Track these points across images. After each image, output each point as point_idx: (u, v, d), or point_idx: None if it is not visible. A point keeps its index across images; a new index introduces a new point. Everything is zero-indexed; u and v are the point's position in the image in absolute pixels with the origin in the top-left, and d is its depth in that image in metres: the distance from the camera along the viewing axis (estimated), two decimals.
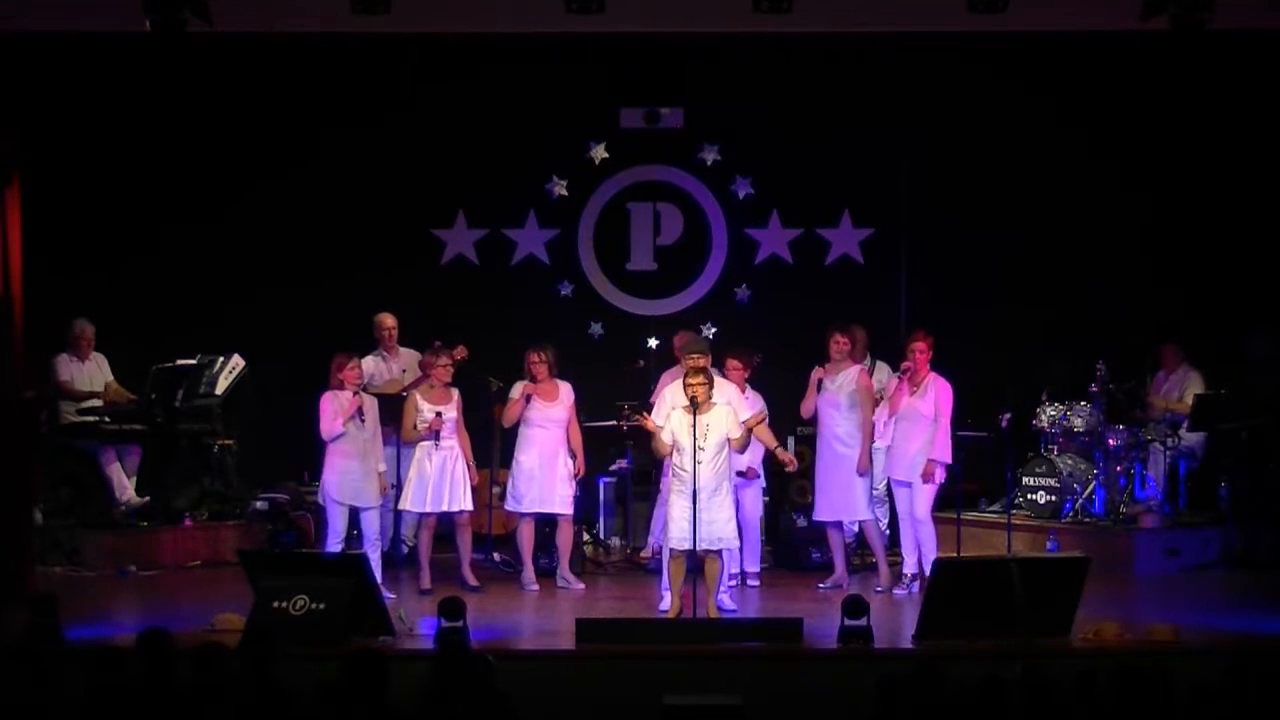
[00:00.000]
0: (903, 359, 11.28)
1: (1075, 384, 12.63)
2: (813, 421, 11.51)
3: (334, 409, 10.72)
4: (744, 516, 11.25)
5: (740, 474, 10.90)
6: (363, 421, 10.79)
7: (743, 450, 10.31)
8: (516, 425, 11.39)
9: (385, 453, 11.28)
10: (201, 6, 9.95)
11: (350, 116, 13.34)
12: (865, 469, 11.18)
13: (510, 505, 11.39)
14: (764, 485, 11.60)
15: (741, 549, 11.22)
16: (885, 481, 11.64)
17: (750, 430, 10.23)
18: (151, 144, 13.21)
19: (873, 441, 11.20)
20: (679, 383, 10.30)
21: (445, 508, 11.07)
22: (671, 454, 10.02)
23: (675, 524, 9.92)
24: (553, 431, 11.31)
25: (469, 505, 11.16)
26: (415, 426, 11.03)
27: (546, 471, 11.27)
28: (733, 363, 11.11)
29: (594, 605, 10.90)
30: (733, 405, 10.22)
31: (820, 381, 11.24)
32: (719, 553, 9.99)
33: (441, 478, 11.03)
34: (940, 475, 11.05)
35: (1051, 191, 13.37)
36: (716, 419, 9.89)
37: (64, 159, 12.69)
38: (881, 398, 11.30)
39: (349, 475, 10.77)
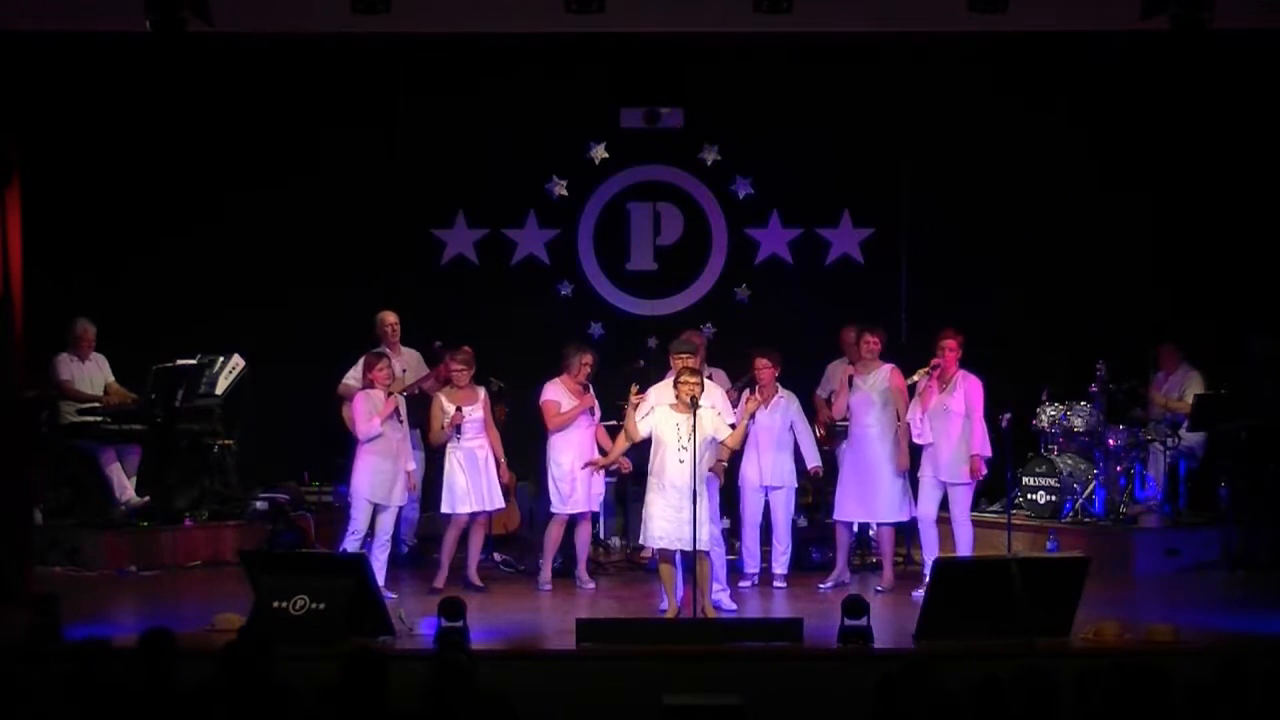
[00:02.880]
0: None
1: (1075, 384, 12.63)
2: (843, 420, 11.52)
3: (368, 409, 10.74)
4: (776, 520, 11.30)
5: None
6: (400, 421, 10.84)
7: (737, 447, 10.27)
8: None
9: (416, 455, 11.38)
10: (201, 6, 9.96)
11: (350, 117, 13.34)
12: (905, 468, 11.16)
13: (555, 507, 11.41)
14: (795, 489, 11.56)
15: (772, 551, 11.37)
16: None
17: (745, 428, 10.20)
18: (151, 144, 13.21)
19: (909, 441, 11.18)
20: (667, 382, 10.31)
21: (484, 506, 11.16)
22: (652, 452, 10.00)
23: (654, 521, 9.91)
24: (587, 432, 11.41)
25: (501, 503, 11.31)
26: (442, 427, 11.08)
27: (584, 471, 11.32)
28: (762, 362, 11.09)
29: (594, 605, 10.90)
30: (718, 409, 10.22)
31: (851, 380, 11.24)
32: (707, 552, 9.95)
33: (478, 477, 11.10)
34: (982, 470, 11.05)
35: (1052, 191, 13.37)
36: (702, 421, 9.86)
37: (64, 159, 12.70)
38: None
39: (381, 474, 10.79)
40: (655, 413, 10.04)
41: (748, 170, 13.91)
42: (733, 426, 10.09)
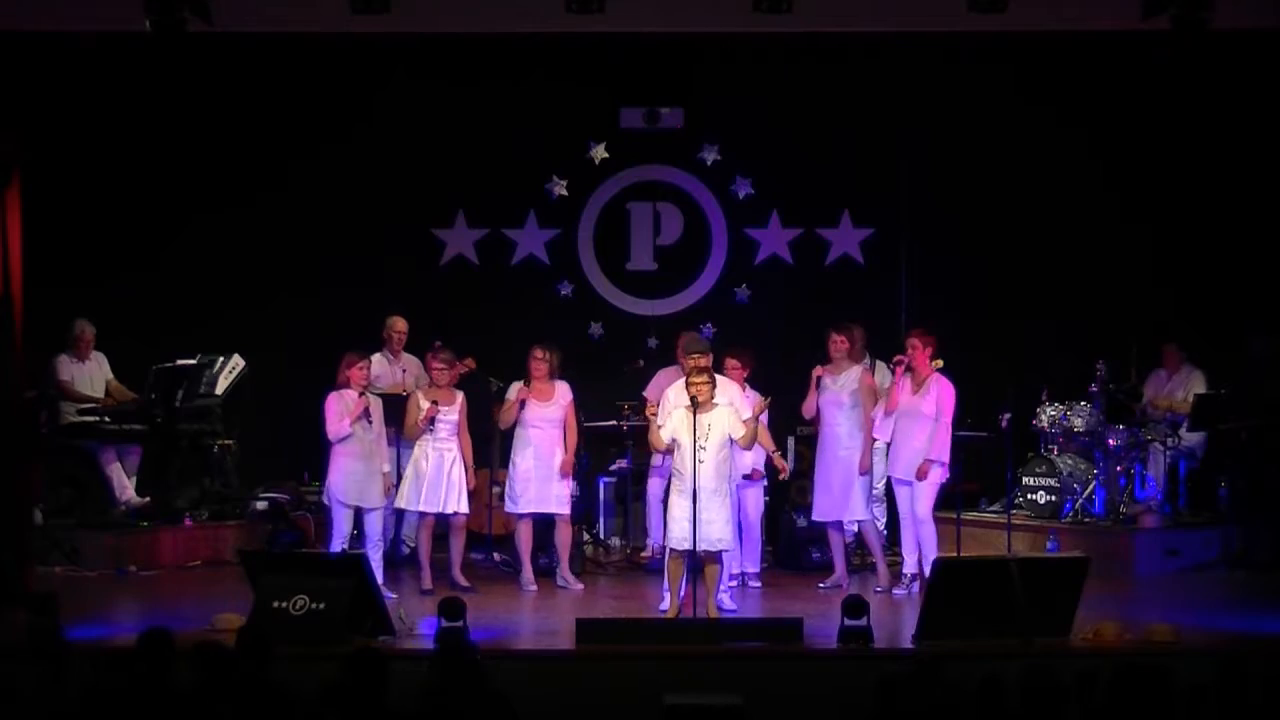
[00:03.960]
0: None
1: (1075, 384, 12.63)
2: (813, 421, 11.51)
3: (340, 409, 10.71)
4: (746, 517, 11.26)
5: (745, 476, 10.90)
6: (369, 423, 10.79)
7: (749, 447, 10.26)
8: (514, 426, 11.38)
9: (389, 453, 11.29)
10: (201, 6, 9.97)
11: (350, 116, 13.34)
12: (866, 469, 11.18)
13: (509, 506, 11.38)
14: (765, 485, 11.58)
15: (742, 549, 11.24)
16: (885, 480, 11.64)
17: (755, 427, 10.18)
18: (151, 144, 13.20)
19: (873, 440, 11.20)
20: (683, 382, 10.29)
21: (440, 509, 11.05)
22: (673, 453, 9.99)
23: (676, 524, 9.89)
24: (548, 432, 11.28)
25: (464, 508, 11.13)
26: (417, 422, 11.03)
27: (542, 471, 11.25)
28: (731, 362, 11.05)
29: (594, 605, 10.90)
30: (734, 405, 10.19)
31: (820, 380, 11.23)
32: (718, 553, 9.97)
33: (438, 478, 11.01)
34: (939, 475, 11.02)
35: (1051, 191, 13.37)
36: (717, 419, 9.86)
37: (64, 159, 12.69)
38: (880, 396, 11.29)
39: (354, 476, 10.76)
40: (673, 416, 10.02)
41: (748, 170, 13.91)
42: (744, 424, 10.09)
